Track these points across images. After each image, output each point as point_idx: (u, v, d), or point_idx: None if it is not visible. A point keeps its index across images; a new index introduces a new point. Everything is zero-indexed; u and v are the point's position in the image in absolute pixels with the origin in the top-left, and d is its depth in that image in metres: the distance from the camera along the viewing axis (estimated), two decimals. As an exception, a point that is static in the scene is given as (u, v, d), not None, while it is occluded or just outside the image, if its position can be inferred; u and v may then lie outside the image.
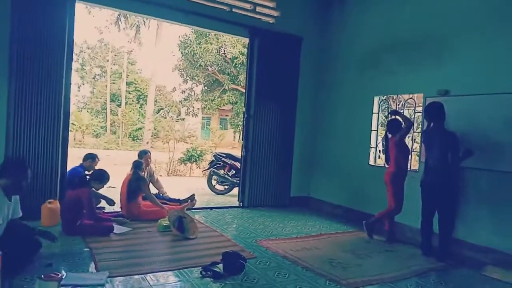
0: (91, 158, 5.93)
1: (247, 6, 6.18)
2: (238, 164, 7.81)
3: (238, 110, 19.05)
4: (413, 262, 4.26)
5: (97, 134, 27.10)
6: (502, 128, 4.39)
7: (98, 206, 5.56)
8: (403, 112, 5.55)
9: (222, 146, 22.94)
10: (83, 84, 32.02)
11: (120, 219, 5.09)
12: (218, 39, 17.03)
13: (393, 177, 5.03)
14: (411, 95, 5.82)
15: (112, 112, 28.90)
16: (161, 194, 6.49)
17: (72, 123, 22.77)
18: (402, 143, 5.03)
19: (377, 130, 6.19)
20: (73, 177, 5.27)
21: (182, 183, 10.24)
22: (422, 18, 5.43)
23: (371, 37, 6.24)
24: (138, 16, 16.50)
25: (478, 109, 4.62)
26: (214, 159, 8.60)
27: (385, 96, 6.22)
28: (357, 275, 3.76)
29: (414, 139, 6.37)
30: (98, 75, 32.48)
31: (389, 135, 5.19)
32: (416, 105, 5.82)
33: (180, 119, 26.96)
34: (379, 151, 6.33)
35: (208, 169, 8.63)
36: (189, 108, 23.93)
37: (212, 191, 8.26)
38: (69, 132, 5.56)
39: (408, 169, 5.41)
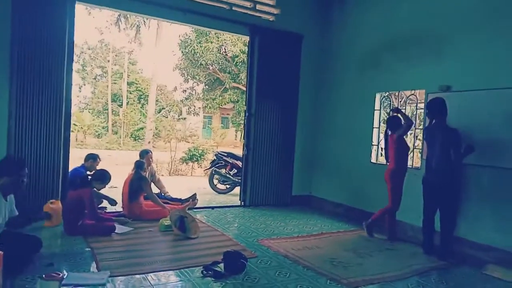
0: (92, 158, 5.94)
1: (247, 4, 6.16)
2: (239, 163, 7.81)
3: (239, 109, 19.04)
4: (414, 261, 4.25)
5: (99, 134, 27.15)
6: (504, 124, 4.36)
7: (100, 206, 5.57)
8: (405, 110, 5.54)
9: (223, 145, 22.97)
10: (84, 85, 32.04)
11: (122, 219, 5.10)
12: (218, 38, 17.03)
13: (392, 174, 5.03)
14: (413, 91, 5.80)
15: (114, 112, 28.93)
16: (162, 194, 6.50)
17: (74, 124, 22.82)
18: (401, 141, 5.01)
19: (379, 127, 6.18)
20: (74, 177, 5.29)
21: (184, 183, 10.25)
22: (421, 15, 5.42)
23: (372, 35, 6.23)
24: (138, 16, 16.49)
25: (480, 104, 4.60)
26: (215, 158, 8.60)
27: (387, 93, 6.21)
28: (358, 274, 3.75)
29: (416, 136, 6.35)
30: (99, 75, 32.49)
31: (389, 132, 5.18)
32: (418, 101, 5.81)
33: (182, 118, 26.93)
34: (381, 148, 6.32)
35: (210, 168, 8.63)
36: (190, 107, 23.93)
37: (214, 190, 8.26)
38: (71, 133, 5.57)
39: (410, 166, 5.42)
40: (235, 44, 16.64)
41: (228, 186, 8.29)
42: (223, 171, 8.27)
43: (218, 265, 3.63)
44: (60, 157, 5.21)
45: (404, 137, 5.10)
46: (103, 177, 4.85)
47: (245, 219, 5.86)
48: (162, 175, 12.70)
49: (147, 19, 20.41)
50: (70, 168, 5.54)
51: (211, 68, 18.69)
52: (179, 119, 25.98)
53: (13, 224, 3.55)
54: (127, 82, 29.05)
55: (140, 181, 5.48)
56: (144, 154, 6.45)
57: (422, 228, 4.66)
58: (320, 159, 7.24)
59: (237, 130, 24.49)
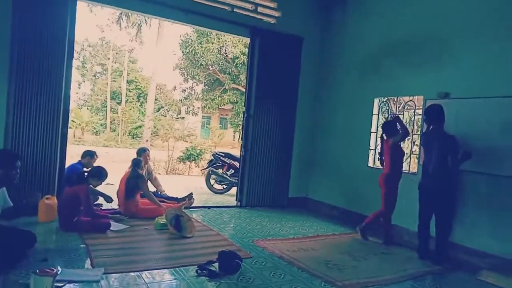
0: (89, 155, 5.94)
1: (249, 6, 6.18)
2: (237, 164, 7.81)
3: (238, 110, 19.07)
4: (409, 265, 4.26)
5: (97, 131, 27.12)
6: (502, 132, 4.38)
7: (96, 203, 5.57)
8: (403, 116, 5.55)
9: (221, 145, 22.94)
10: (84, 82, 32.03)
11: (117, 216, 5.10)
12: (219, 39, 17.05)
13: (387, 179, 5.05)
14: (411, 97, 5.81)
15: (112, 110, 28.91)
16: (159, 192, 6.50)
17: (72, 120, 22.80)
18: (396, 146, 5.04)
19: (376, 132, 6.19)
20: (71, 173, 5.29)
21: (181, 182, 10.24)
22: (422, 20, 5.44)
23: (372, 39, 6.25)
24: (139, 15, 16.49)
25: (478, 112, 4.61)
26: (213, 158, 8.60)
27: (386, 98, 6.22)
28: (353, 277, 3.76)
29: (414, 142, 6.38)
30: (99, 73, 32.47)
31: (385, 137, 5.20)
32: (416, 107, 5.83)
33: (180, 117, 26.95)
34: (379, 153, 6.33)
35: (207, 168, 8.63)
36: (189, 107, 23.96)
37: (210, 190, 8.25)
38: (69, 129, 5.57)
39: (407, 171, 5.43)
40: (236, 45, 16.67)
41: (225, 186, 8.29)
42: (220, 171, 8.27)
43: (213, 264, 3.62)
44: (57, 153, 5.20)
45: (400, 143, 5.13)
46: (100, 174, 4.85)
47: (241, 220, 5.86)
48: (159, 173, 12.68)
49: (148, 18, 20.39)
50: (67, 164, 5.53)
51: (211, 68, 18.71)
52: (177, 118, 26.00)
53: (8, 215, 3.54)
54: (127, 80, 29.03)
55: (137, 179, 5.47)
56: (142, 152, 6.46)
57: (417, 232, 4.67)
58: (317, 162, 7.24)
59: (235, 131, 24.53)
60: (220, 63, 17.85)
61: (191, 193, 6.40)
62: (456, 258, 4.58)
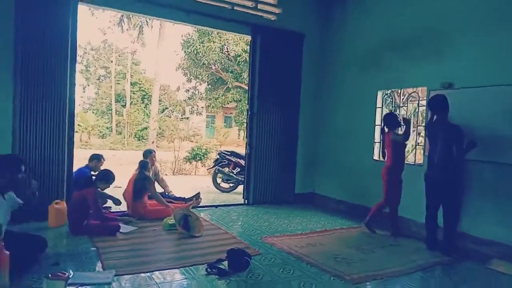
0: (96, 158, 5.98)
1: (249, 3, 6.18)
2: (242, 162, 7.83)
3: (242, 108, 19.07)
4: (418, 257, 4.27)
5: (103, 134, 27.27)
6: (506, 120, 4.36)
7: (104, 206, 5.62)
8: (407, 107, 5.54)
9: (226, 144, 23.00)
10: (88, 86, 32.21)
11: (126, 218, 5.14)
12: (221, 38, 17.05)
13: (389, 171, 5.07)
14: (414, 89, 5.80)
15: (117, 112, 29.06)
16: (166, 193, 6.54)
17: (78, 124, 22.96)
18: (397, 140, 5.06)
19: (381, 125, 6.18)
20: (79, 177, 5.33)
21: (188, 182, 10.28)
22: (423, 13, 5.41)
23: (373, 33, 6.23)
24: (140, 16, 16.54)
25: (482, 101, 4.60)
26: (218, 157, 8.63)
27: (389, 91, 6.20)
28: (361, 270, 3.77)
29: (419, 133, 6.35)
30: (102, 76, 32.64)
31: (386, 129, 5.20)
32: (420, 98, 5.81)
33: (185, 118, 27.03)
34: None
35: (213, 167, 8.66)
36: (193, 107, 24.01)
37: (217, 189, 8.28)
38: (75, 133, 5.60)
39: (412, 163, 5.43)
40: (238, 43, 16.65)
41: (231, 185, 8.32)
42: (226, 170, 8.30)
43: (222, 262, 3.65)
44: (64, 158, 5.24)
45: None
46: (107, 177, 4.89)
47: (248, 217, 5.89)
48: (166, 174, 12.76)
49: (150, 19, 20.44)
50: (75, 168, 5.58)
51: (213, 67, 18.72)
52: (182, 118, 26.09)
53: (18, 216, 3.57)
54: (131, 83, 29.16)
55: (144, 180, 5.51)
56: (148, 154, 6.50)
57: (425, 224, 4.67)
58: (322, 157, 7.25)
59: (240, 129, 24.53)
60: (223, 61, 17.86)
61: (199, 193, 6.44)
62: (465, 248, 4.58)
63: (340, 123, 6.86)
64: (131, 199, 5.44)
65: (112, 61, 30.28)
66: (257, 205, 6.70)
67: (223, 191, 8.22)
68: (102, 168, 5.77)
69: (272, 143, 6.82)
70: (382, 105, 6.21)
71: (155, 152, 6.75)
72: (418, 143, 6.15)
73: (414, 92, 5.88)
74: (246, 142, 6.92)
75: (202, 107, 24.58)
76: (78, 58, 5.88)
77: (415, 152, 6.09)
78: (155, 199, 5.57)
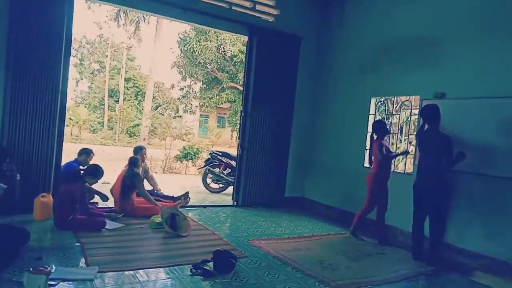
0: (86, 153, 5.91)
1: (247, 4, 6.18)
2: (233, 163, 7.80)
3: (236, 109, 19.05)
4: (403, 266, 4.28)
5: (94, 129, 27.05)
6: (497, 133, 4.39)
7: (91, 201, 5.55)
8: (399, 116, 5.57)
9: (219, 144, 22.95)
10: (81, 79, 31.94)
11: (113, 215, 5.09)
12: (217, 37, 17.02)
13: (374, 178, 5.11)
14: (408, 97, 5.84)
15: (110, 107, 28.84)
16: (155, 191, 6.49)
17: (70, 118, 22.75)
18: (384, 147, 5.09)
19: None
20: (67, 171, 5.28)
21: (177, 181, 10.24)
22: (419, 21, 5.45)
23: (369, 39, 6.26)
24: (137, 12, 16.48)
25: (474, 112, 4.62)
26: (210, 157, 8.60)
27: (383, 98, 6.23)
28: (347, 277, 3.77)
29: (410, 142, 6.39)
30: (96, 70, 32.39)
31: (374, 137, 5.22)
32: (413, 107, 5.84)
33: (178, 116, 26.93)
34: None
35: (204, 167, 8.62)
36: (187, 106, 23.93)
37: (207, 189, 8.25)
38: (66, 127, 5.54)
39: (402, 172, 5.45)
40: (234, 43, 16.64)
41: (221, 186, 8.29)
42: (217, 170, 8.27)
43: (208, 263, 3.63)
44: (53, 151, 5.18)
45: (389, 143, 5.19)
46: (96, 172, 4.84)
47: (237, 219, 5.86)
48: (156, 172, 12.68)
49: (146, 15, 20.37)
50: (63, 162, 5.52)
51: (209, 67, 18.67)
52: (175, 117, 26.00)
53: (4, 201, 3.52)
54: (125, 78, 28.97)
55: (133, 177, 5.46)
56: (138, 150, 6.44)
57: (411, 233, 4.68)
58: (314, 162, 7.25)
59: (233, 130, 24.50)
60: (219, 61, 17.82)
61: (187, 192, 6.40)
62: (450, 259, 4.60)
63: (333, 128, 6.87)
64: (119, 196, 5.39)
65: (107, 56, 30.06)
66: (246, 207, 6.68)
67: (212, 192, 8.18)
68: (91, 163, 5.71)
69: (265, 145, 6.80)
70: (375, 112, 6.24)
71: (146, 149, 6.70)
72: (408, 152, 6.17)
73: (407, 100, 5.91)
74: (238, 143, 6.91)
75: (196, 106, 24.52)
76: (73, 52, 5.82)
77: (405, 161, 6.12)
78: (143, 196, 5.52)
